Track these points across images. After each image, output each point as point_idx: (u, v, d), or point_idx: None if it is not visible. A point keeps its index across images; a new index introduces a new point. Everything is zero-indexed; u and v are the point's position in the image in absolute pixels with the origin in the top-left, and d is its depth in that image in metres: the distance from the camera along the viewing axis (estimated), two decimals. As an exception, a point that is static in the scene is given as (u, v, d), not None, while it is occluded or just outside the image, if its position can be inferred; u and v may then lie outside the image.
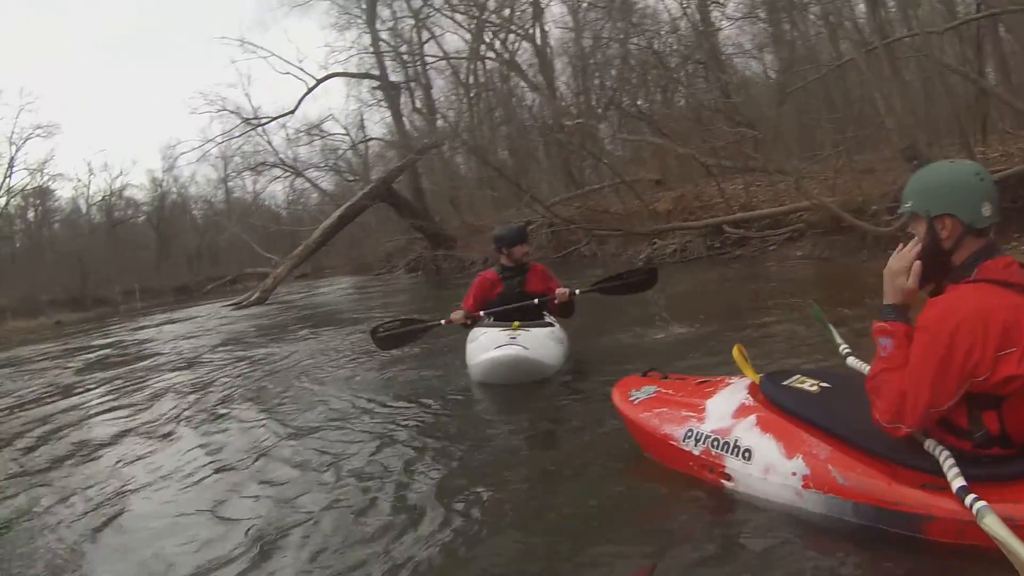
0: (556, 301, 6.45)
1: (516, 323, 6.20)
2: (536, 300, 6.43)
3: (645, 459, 3.57)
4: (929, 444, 2.47)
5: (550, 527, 3.15)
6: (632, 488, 3.44)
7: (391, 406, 5.70)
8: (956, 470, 2.34)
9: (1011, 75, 15.73)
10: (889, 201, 10.71)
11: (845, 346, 3.59)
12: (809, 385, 3.10)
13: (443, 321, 6.77)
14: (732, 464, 3.01)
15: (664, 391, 3.65)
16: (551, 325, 6.38)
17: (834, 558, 2.53)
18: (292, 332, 12.69)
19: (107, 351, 14.11)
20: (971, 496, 2.24)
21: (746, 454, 2.96)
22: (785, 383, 3.15)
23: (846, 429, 2.74)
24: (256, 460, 4.67)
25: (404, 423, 5.18)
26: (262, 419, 5.85)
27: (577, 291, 6.57)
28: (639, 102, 25.78)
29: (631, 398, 3.69)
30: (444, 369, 6.81)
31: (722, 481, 3.05)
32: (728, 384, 3.47)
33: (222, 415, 6.24)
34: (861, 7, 16.51)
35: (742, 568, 2.59)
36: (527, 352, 5.77)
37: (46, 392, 9.14)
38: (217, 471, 4.57)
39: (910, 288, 2.55)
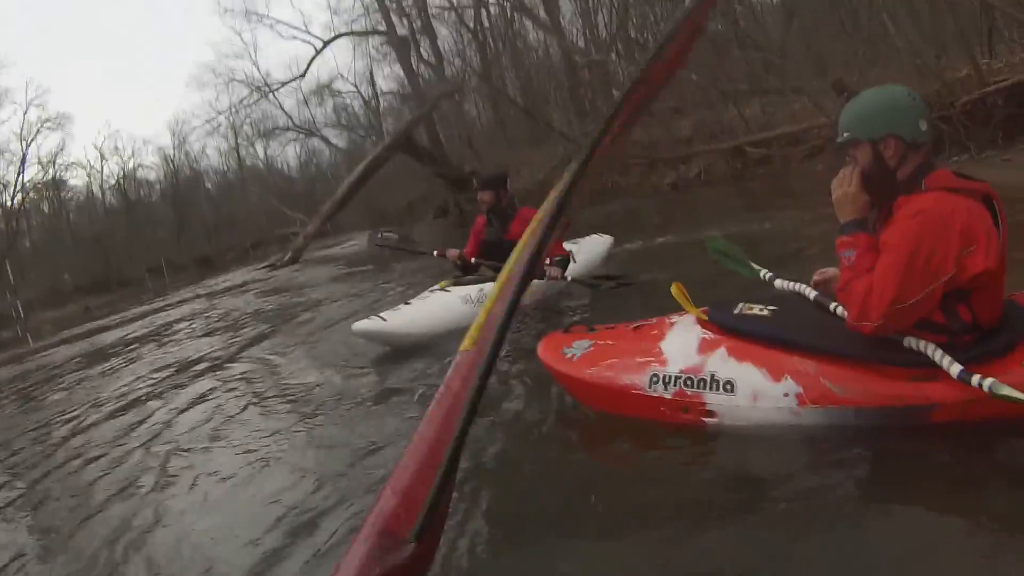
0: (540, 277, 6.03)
1: (443, 282, 6.30)
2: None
3: (598, 416, 3.39)
4: (909, 341, 2.62)
5: (532, 516, 2.80)
6: (602, 448, 3.30)
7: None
8: (949, 358, 2.51)
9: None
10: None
11: (765, 271, 3.65)
12: (759, 310, 3.11)
13: (435, 252, 7.12)
14: (714, 399, 2.94)
15: (601, 342, 3.48)
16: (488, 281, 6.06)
17: (842, 463, 2.62)
18: (331, 286, 13.02)
19: (159, 327, 13.54)
20: (976, 376, 2.42)
21: (728, 386, 2.91)
22: (736, 312, 3.14)
23: (823, 341, 2.82)
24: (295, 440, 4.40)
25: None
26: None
27: (569, 277, 6.32)
28: (645, 33, 26.04)
29: (567, 355, 3.47)
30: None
31: (703, 419, 2.98)
32: (673, 323, 3.35)
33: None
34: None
35: (756, 497, 2.60)
36: (378, 325, 5.71)
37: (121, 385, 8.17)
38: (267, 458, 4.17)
39: (863, 200, 2.74)
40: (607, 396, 3.26)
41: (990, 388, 2.37)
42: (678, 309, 3.41)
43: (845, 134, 2.75)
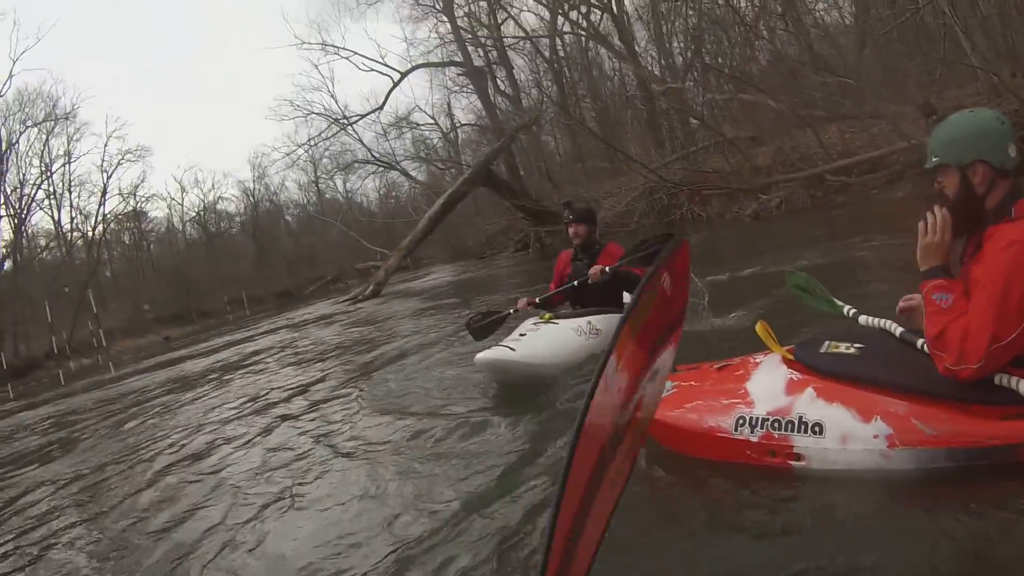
0: (589, 282, 6.04)
1: (548, 315, 6.04)
2: (575, 283, 6.13)
3: (679, 458, 3.26)
4: (1001, 378, 2.52)
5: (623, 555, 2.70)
6: (684, 493, 3.14)
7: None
8: None
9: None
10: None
11: (849, 306, 3.58)
12: (845, 348, 3.01)
13: (511, 310, 6.77)
14: (801, 442, 2.83)
15: (684, 384, 3.40)
16: (599, 313, 5.94)
17: (933, 505, 2.56)
18: (415, 319, 13.13)
19: (251, 355, 14.07)
20: None
21: (816, 428, 2.81)
22: (822, 351, 3.05)
23: (912, 380, 2.72)
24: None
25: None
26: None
27: (607, 268, 6.05)
28: (719, 60, 26.11)
29: None
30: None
31: (790, 463, 2.86)
32: (758, 363, 3.27)
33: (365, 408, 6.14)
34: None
35: (846, 543, 2.50)
36: (508, 355, 5.33)
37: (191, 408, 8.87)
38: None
39: (948, 244, 2.66)
40: (691, 439, 3.17)
41: None
42: (760, 347, 3.35)
43: (934, 159, 2.68)
